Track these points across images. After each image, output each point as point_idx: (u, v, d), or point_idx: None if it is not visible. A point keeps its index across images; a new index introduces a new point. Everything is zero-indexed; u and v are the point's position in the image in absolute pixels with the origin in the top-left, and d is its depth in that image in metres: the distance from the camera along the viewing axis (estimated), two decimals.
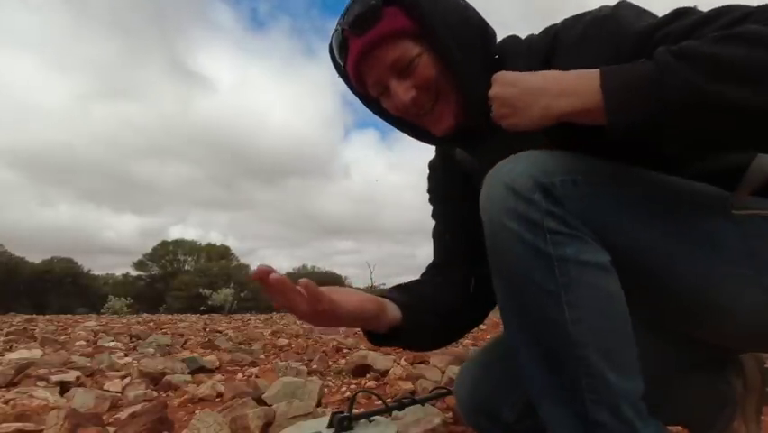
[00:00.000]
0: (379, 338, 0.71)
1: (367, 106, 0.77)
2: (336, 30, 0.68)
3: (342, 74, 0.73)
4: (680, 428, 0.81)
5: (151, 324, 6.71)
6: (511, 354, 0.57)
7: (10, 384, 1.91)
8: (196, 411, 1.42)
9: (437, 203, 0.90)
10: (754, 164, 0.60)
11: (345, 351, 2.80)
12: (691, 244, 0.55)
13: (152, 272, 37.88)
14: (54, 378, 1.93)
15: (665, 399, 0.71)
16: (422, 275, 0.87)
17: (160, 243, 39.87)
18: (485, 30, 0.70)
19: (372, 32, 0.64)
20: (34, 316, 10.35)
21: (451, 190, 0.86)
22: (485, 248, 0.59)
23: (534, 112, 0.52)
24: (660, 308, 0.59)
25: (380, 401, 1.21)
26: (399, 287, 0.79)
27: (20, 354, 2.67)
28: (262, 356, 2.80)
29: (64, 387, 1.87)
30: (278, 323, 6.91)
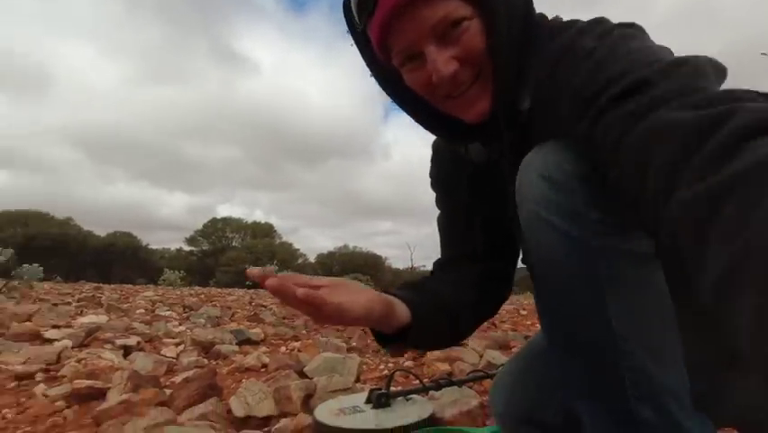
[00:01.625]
0: (384, 339, 0.64)
1: (377, 78, 0.62)
2: None
3: (357, 34, 0.60)
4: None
5: (202, 296, 7.14)
6: (545, 354, 0.54)
7: (82, 345, 2.12)
8: (243, 380, 1.51)
9: (442, 191, 0.81)
10: None
11: None
12: None
13: (203, 248, 40.02)
14: (118, 342, 2.12)
15: (714, 397, 0.67)
16: (432, 273, 0.79)
17: (210, 220, 41.87)
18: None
19: None
20: (101, 284, 11.31)
21: (458, 177, 0.76)
22: (497, 241, 0.53)
23: None
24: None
25: (417, 381, 1.22)
26: (410, 284, 0.70)
27: (89, 318, 2.94)
28: (304, 331, 2.92)
29: (127, 350, 2.05)
30: None
